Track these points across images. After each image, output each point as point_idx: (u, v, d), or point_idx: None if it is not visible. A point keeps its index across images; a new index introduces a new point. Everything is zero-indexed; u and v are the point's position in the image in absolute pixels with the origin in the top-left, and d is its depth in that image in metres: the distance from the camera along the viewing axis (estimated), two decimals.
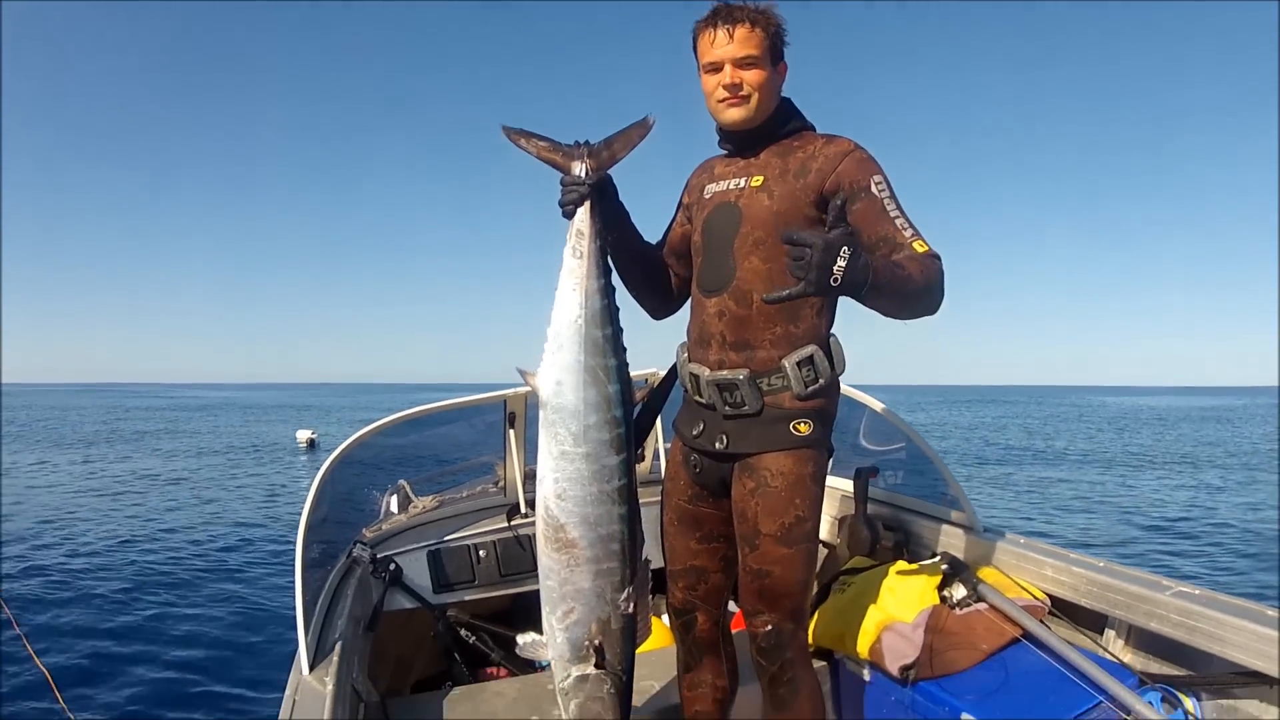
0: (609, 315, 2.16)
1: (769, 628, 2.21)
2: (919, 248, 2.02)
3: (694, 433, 2.32)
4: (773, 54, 2.19)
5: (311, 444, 29.90)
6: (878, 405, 3.66)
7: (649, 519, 2.27)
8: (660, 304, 2.48)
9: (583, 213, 2.16)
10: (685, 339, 2.38)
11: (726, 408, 2.21)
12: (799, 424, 2.17)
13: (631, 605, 2.19)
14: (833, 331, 2.23)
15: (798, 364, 2.15)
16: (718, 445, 2.25)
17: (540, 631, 2.25)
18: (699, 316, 2.29)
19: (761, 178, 2.21)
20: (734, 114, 2.20)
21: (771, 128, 2.24)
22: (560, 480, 2.12)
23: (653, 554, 2.33)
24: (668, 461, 2.52)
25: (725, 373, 2.19)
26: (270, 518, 14.09)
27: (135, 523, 13.05)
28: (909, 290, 1.96)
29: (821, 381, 2.17)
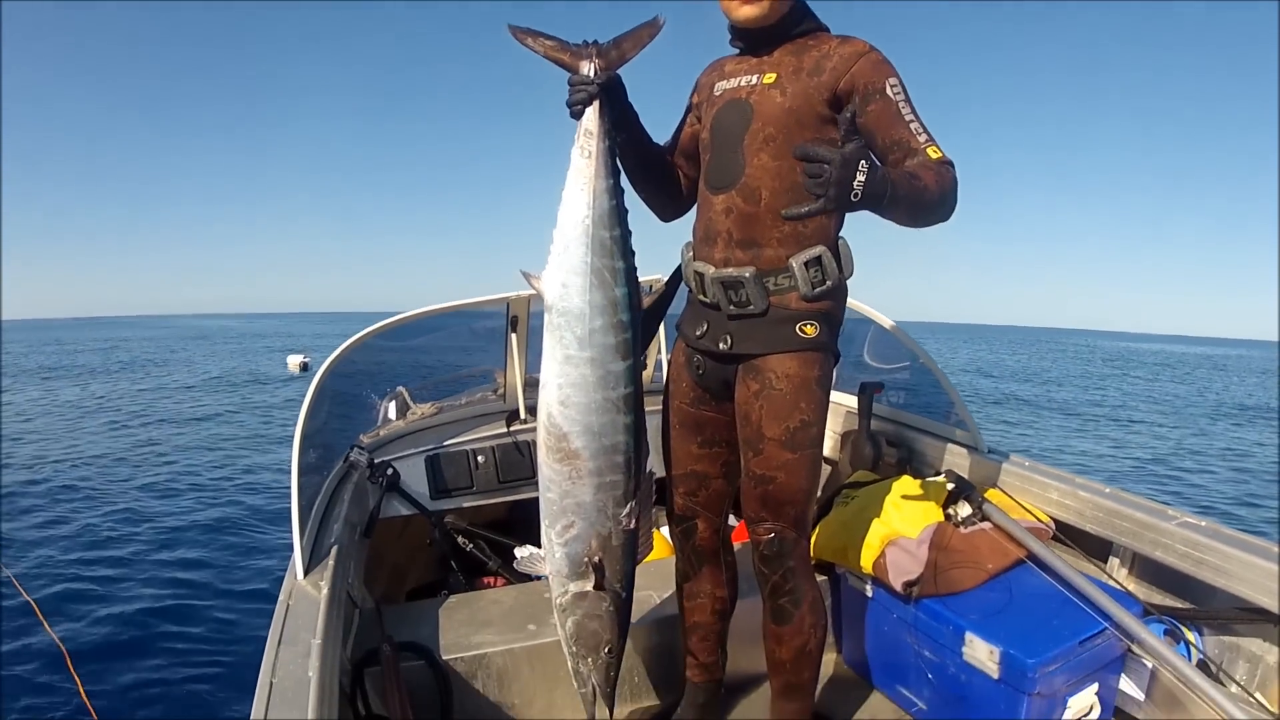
0: (617, 216, 2.07)
1: (771, 535, 2.17)
2: (933, 153, 1.96)
3: (697, 333, 2.26)
4: None
5: (305, 368, 29.89)
6: (885, 321, 3.59)
7: (651, 429, 2.19)
8: (669, 204, 2.40)
9: (591, 112, 2.06)
10: (690, 238, 2.31)
11: (731, 307, 2.15)
12: (805, 326, 2.10)
13: (634, 520, 2.13)
14: (841, 234, 2.16)
15: (805, 264, 2.08)
16: (721, 346, 2.19)
17: (538, 545, 2.19)
18: (705, 214, 2.22)
19: (774, 75, 2.12)
20: (747, 10, 2.10)
21: (785, 26, 2.14)
22: (564, 386, 2.03)
23: (655, 465, 2.26)
24: (669, 363, 2.45)
25: (731, 270, 2.12)
26: (262, 437, 14.03)
27: (128, 446, 12.85)
28: (925, 200, 1.88)
29: (829, 283, 2.10)
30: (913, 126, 1.99)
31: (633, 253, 2.08)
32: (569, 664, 2.18)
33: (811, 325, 2.11)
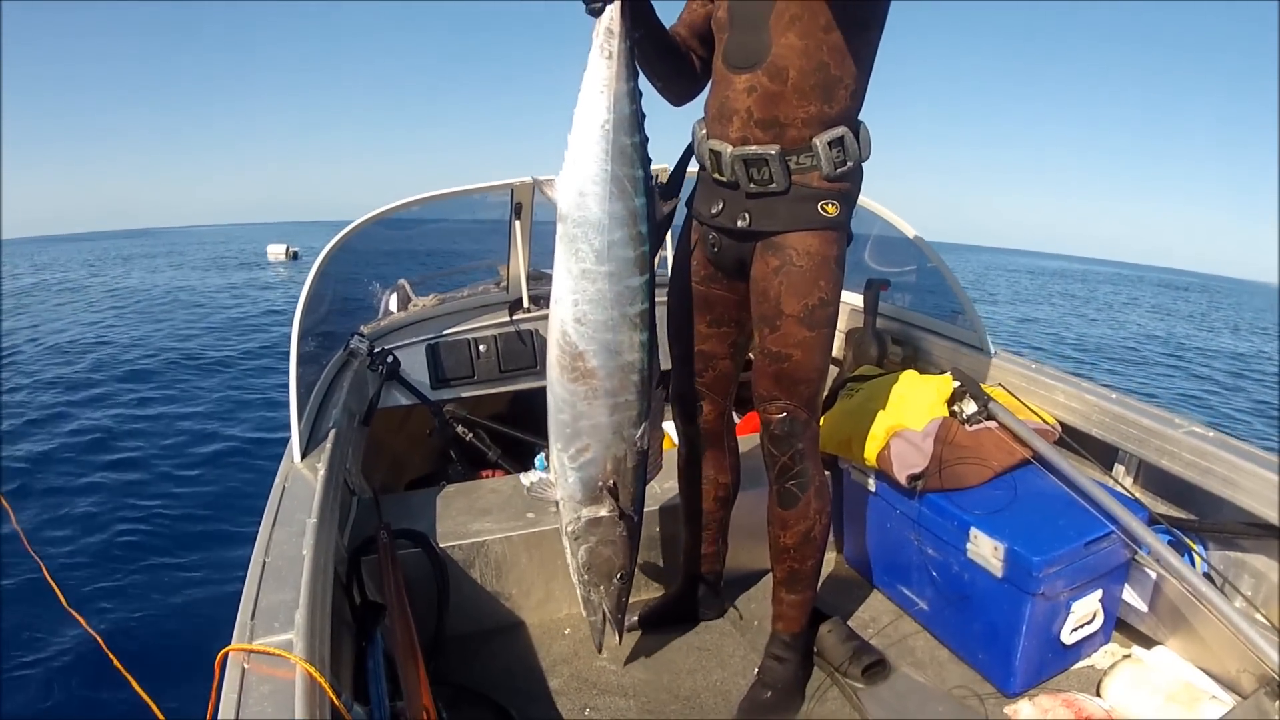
0: (637, 122, 1.96)
1: (783, 414, 2.13)
2: None
3: (713, 211, 2.19)
4: None
5: (294, 255, 29.46)
6: (892, 216, 3.51)
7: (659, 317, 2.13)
8: (686, 89, 2.30)
9: (612, 9, 1.92)
10: (703, 115, 2.22)
11: (751, 185, 2.07)
12: (827, 204, 2.05)
13: (646, 441, 2.06)
14: (861, 118, 2.08)
15: (829, 144, 2.01)
16: (740, 223, 2.12)
17: (540, 437, 2.12)
18: (721, 92, 2.12)
19: None
20: None
21: None
22: (580, 302, 1.94)
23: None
24: (679, 240, 2.38)
25: (754, 148, 2.04)
26: (254, 326, 13.92)
27: (117, 346, 12.58)
28: None
29: (849, 164, 2.05)
30: None
31: (650, 160, 1.99)
32: (579, 591, 2.15)
33: (832, 204, 2.06)
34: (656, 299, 2.05)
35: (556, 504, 2.12)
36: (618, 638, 2.21)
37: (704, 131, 2.19)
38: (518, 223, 3.55)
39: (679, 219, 2.34)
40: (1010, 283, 42.73)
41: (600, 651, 2.21)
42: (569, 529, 2.10)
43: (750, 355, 2.23)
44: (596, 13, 1.93)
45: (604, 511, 2.06)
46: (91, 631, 3.09)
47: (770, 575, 2.35)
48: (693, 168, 2.25)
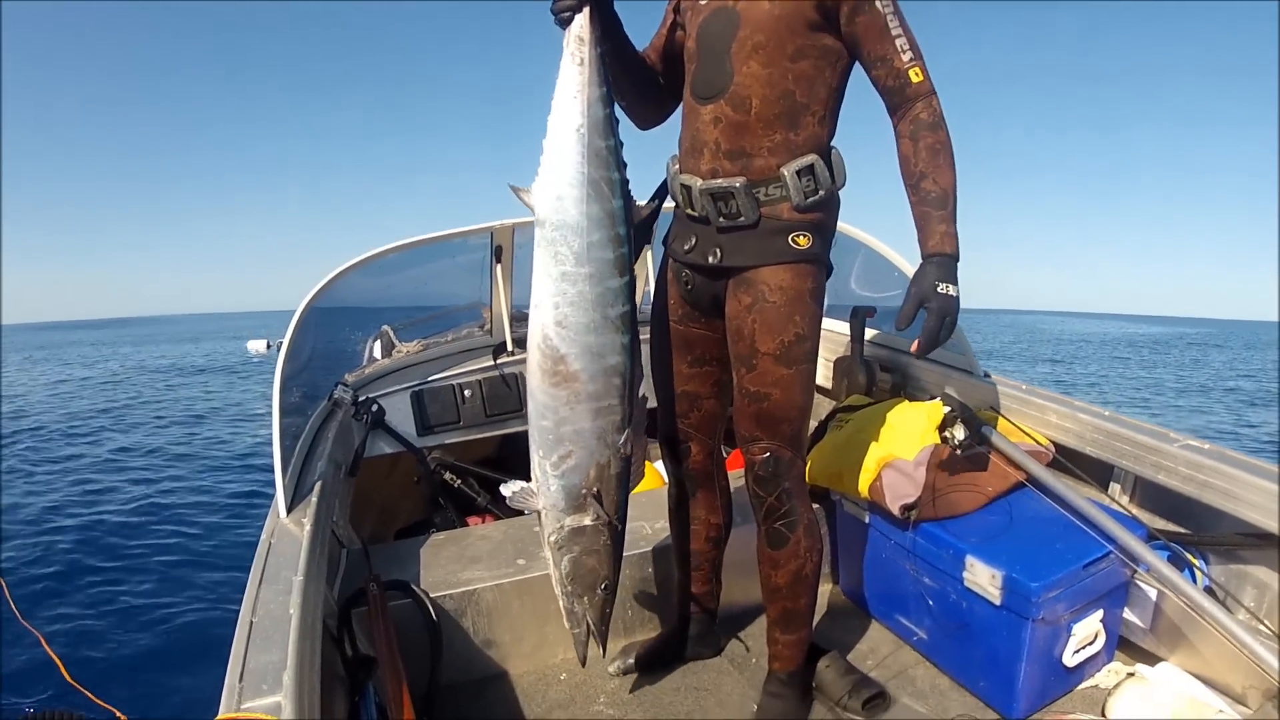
0: (610, 126, 1.96)
1: (767, 455, 2.11)
2: (914, 76, 1.93)
3: (685, 248, 2.18)
4: None
5: (279, 347, 29.41)
6: (877, 244, 3.50)
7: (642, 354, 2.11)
8: (653, 112, 2.31)
9: (582, 18, 1.95)
10: (676, 150, 2.22)
11: (721, 219, 2.07)
12: (798, 237, 2.04)
13: (629, 447, 2.03)
14: (833, 144, 2.07)
15: (797, 173, 2.00)
16: (711, 259, 2.11)
17: (528, 478, 2.10)
18: (691, 125, 2.12)
19: None
20: None
21: None
22: (561, 305, 1.92)
23: (646, 391, 2.17)
24: (657, 280, 2.37)
25: (720, 181, 2.04)
26: (239, 405, 13.83)
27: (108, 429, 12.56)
28: (953, 175, 1.94)
29: (821, 193, 2.03)
30: (899, 43, 1.94)
31: (625, 164, 1.99)
32: (562, 603, 2.11)
33: (804, 236, 2.04)
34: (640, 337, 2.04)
35: (539, 514, 2.08)
36: (601, 650, 2.16)
37: (676, 167, 2.18)
38: (499, 266, 3.55)
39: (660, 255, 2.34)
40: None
41: (584, 665, 2.16)
42: (551, 538, 2.05)
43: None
44: (565, 22, 1.96)
45: (588, 520, 2.02)
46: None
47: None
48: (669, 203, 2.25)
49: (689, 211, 2.15)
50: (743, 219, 2.04)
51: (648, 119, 2.31)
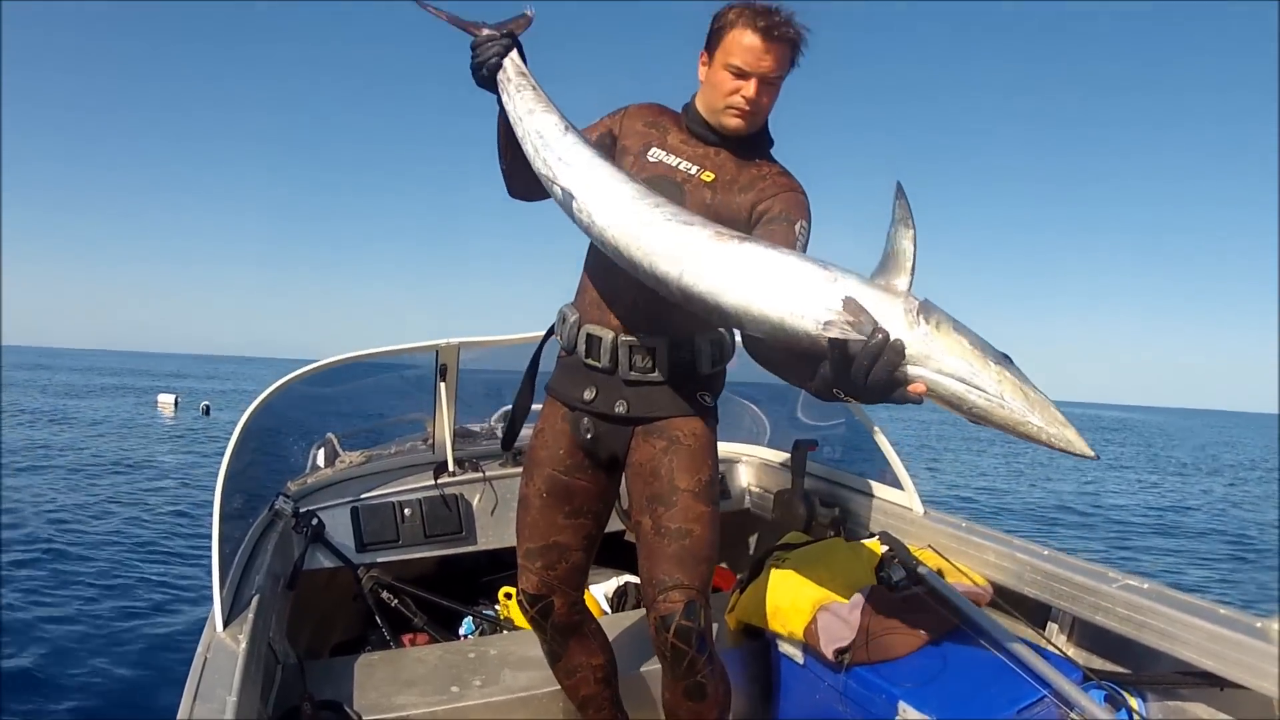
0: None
1: (688, 602, 2.02)
2: None
3: (586, 396, 2.17)
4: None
5: (205, 410, 28.74)
6: None
7: (506, 501, 2.10)
8: (533, 183, 2.14)
9: (514, 57, 2.05)
10: (573, 300, 2.25)
11: (632, 372, 2.12)
12: (704, 395, 2.18)
13: None
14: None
15: (711, 342, 2.16)
16: (618, 409, 2.14)
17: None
18: (611, 280, 2.11)
19: (713, 176, 2.12)
20: (737, 124, 2.10)
21: (748, 139, 2.15)
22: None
23: (508, 538, 2.16)
24: (537, 430, 2.32)
25: (641, 337, 2.11)
26: (179, 480, 13.57)
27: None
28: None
29: (724, 361, 2.21)
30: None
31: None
32: None
33: (709, 395, 2.18)
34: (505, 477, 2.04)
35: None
36: None
37: (576, 316, 2.20)
38: (443, 384, 3.54)
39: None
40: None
41: None
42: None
43: (632, 540, 2.22)
44: (494, 69, 2.03)
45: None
46: None
47: None
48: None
49: (589, 361, 2.16)
50: (655, 375, 2.11)
51: (527, 189, 2.21)
